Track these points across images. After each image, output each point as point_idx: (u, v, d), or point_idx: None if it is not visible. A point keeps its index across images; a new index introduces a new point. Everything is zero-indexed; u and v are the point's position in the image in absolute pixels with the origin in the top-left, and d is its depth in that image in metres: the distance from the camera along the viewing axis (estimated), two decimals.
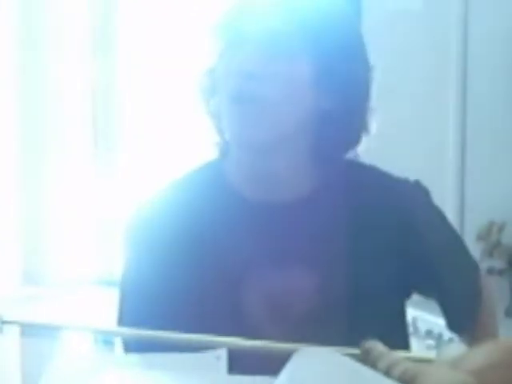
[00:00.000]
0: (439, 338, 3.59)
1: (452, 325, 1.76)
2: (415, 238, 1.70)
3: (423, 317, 3.63)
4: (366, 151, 4.12)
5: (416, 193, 1.78)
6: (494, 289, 1.86)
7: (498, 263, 4.22)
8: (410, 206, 1.73)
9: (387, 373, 1.09)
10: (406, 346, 1.70)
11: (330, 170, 1.71)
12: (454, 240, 1.80)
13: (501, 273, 4.22)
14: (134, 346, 1.48)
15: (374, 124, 1.74)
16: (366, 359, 1.13)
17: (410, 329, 3.59)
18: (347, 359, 1.09)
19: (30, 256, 4.48)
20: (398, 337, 1.71)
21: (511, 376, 0.94)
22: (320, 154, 1.68)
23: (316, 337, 1.25)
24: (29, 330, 2.31)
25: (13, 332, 2.70)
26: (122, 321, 1.70)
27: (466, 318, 1.75)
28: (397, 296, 1.73)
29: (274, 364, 1.10)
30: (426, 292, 1.77)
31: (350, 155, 1.78)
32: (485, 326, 1.78)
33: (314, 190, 1.69)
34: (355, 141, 1.74)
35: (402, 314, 1.75)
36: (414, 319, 3.68)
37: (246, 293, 1.61)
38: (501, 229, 4.21)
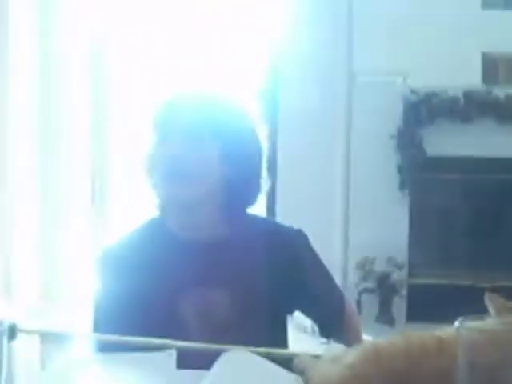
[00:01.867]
0: None
1: (324, 333, 1.74)
2: (298, 271, 1.68)
3: None
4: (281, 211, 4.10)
5: (298, 238, 1.76)
6: (354, 309, 1.86)
7: (371, 285, 4.23)
8: (294, 248, 1.72)
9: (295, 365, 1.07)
10: (286, 345, 1.69)
11: (237, 221, 1.70)
12: (325, 274, 1.78)
13: (372, 292, 4.23)
14: (105, 348, 1.45)
15: (265, 188, 1.74)
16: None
17: (310, 329, 3.57)
18: (257, 357, 1.05)
19: (46, 277, 4.42)
20: (282, 339, 1.69)
21: (373, 368, 0.91)
22: (228, 210, 1.68)
23: (230, 339, 1.23)
24: (47, 337, 2.20)
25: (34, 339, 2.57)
26: (95, 329, 1.67)
27: (334, 329, 1.73)
28: (283, 312, 1.71)
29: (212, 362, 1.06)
30: (304, 311, 1.75)
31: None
32: (349, 333, 1.77)
33: (227, 234, 1.68)
34: (253, 200, 1.73)
35: (285, 323, 1.73)
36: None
37: (182, 307, 1.60)
38: (372, 262, 4.23)
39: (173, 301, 1.59)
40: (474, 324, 0.78)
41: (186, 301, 1.59)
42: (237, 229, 1.69)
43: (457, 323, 0.78)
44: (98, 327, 1.65)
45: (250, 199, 1.73)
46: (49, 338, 2.17)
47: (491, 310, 0.94)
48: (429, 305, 4.10)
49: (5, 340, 1.02)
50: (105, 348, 1.42)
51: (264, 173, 1.74)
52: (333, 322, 1.73)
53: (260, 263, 1.66)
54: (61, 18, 4.34)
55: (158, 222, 1.71)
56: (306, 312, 1.75)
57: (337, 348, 1.09)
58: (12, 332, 1.29)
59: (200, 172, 1.61)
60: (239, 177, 1.65)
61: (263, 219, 1.81)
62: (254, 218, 1.76)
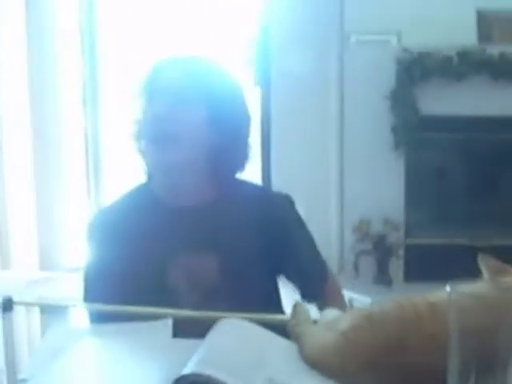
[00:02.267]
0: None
1: (306, 297, 1.75)
2: (283, 235, 1.69)
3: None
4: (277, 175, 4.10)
5: (285, 202, 1.76)
6: (336, 279, 1.85)
7: (368, 247, 4.25)
8: (281, 214, 1.72)
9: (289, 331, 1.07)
10: (279, 308, 1.69)
11: (225, 185, 1.70)
12: (309, 241, 1.78)
13: (369, 253, 4.25)
14: (96, 318, 1.47)
15: (251, 155, 1.74)
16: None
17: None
18: (252, 325, 1.06)
19: (44, 247, 4.43)
20: (274, 301, 1.71)
21: (366, 334, 0.92)
22: (216, 174, 1.68)
23: (221, 302, 1.24)
24: (46, 308, 2.21)
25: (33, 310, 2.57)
26: (86, 297, 1.67)
27: (314, 295, 1.74)
28: (270, 275, 1.71)
29: (207, 331, 1.07)
30: (287, 275, 1.76)
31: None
32: (331, 296, 1.77)
33: (214, 199, 1.68)
34: (240, 166, 1.73)
35: (276, 287, 1.74)
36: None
37: (169, 271, 1.60)
38: (368, 223, 4.24)
39: (161, 266, 1.59)
40: (464, 288, 0.78)
41: (174, 266, 1.60)
42: (223, 193, 1.69)
43: (447, 287, 0.79)
44: (87, 295, 1.67)
45: (238, 165, 1.72)
46: (48, 309, 2.18)
47: (484, 271, 0.95)
48: (426, 265, 4.13)
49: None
50: (98, 318, 1.43)
51: (251, 140, 1.74)
52: (314, 288, 1.74)
53: (246, 226, 1.66)
54: None
55: (146, 187, 1.72)
56: (289, 276, 1.76)
57: (331, 313, 1.10)
58: (8, 305, 1.30)
59: (186, 135, 1.61)
60: (226, 142, 1.64)
61: (251, 184, 1.79)
62: (242, 182, 1.76)
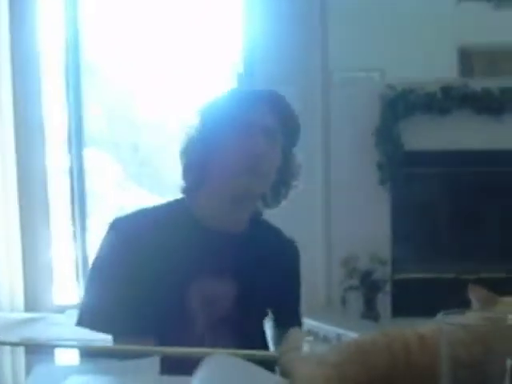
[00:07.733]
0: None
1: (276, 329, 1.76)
2: (286, 279, 1.75)
3: (321, 326, 3.64)
4: None
5: (295, 250, 1.83)
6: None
7: (355, 282, 4.24)
8: (291, 261, 1.80)
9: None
10: (265, 342, 1.73)
11: (257, 219, 1.77)
12: (299, 290, 1.84)
13: (357, 288, 4.24)
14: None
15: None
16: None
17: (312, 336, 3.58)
18: (240, 360, 1.05)
19: (29, 289, 4.41)
20: (264, 336, 1.74)
21: (357, 367, 0.92)
22: (262, 206, 1.77)
23: (225, 329, 1.25)
24: (32, 348, 2.17)
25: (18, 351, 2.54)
26: (87, 296, 1.63)
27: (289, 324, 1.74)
28: (264, 312, 1.75)
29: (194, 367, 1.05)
30: (275, 313, 1.77)
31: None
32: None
33: (246, 228, 1.72)
34: (278, 202, 1.81)
35: (263, 324, 1.77)
36: (315, 327, 3.67)
37: (189, 290, 1.60)
38: (355, 260, 4.24)
39: (183, 284, 1.60)
40: (454, 319, 0.78)
41: (195, 286, 1.61)
42: (253, 224, 1.74)
43: (438, 318, 0.78)
44: (90, 298, 1.62)
45: (279, 201, 1.81)
46: (33, 349, 2.16)
47: (474, 301, 0.94)
48: (413, 300, 4.12)
49: None
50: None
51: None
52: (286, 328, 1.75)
53: (264, 261, 1.70)
54: None
55: (182, 205, 1.71)
56: (275, 314, 1.78)
57: (296, 334, 1.09)
58: None
59: (271, 171, 1.70)
60: (285, 176, 1.77)
61: (269, 223, 1.85)
62: (266, 222, 1.83)
